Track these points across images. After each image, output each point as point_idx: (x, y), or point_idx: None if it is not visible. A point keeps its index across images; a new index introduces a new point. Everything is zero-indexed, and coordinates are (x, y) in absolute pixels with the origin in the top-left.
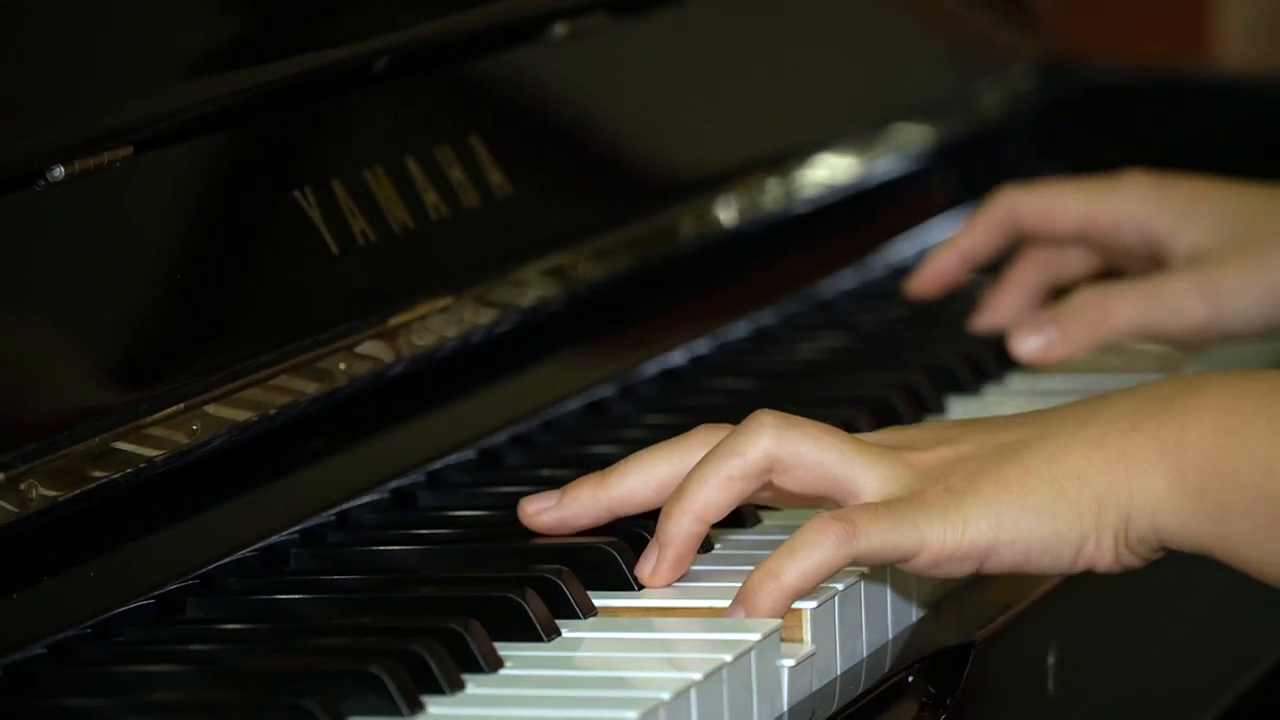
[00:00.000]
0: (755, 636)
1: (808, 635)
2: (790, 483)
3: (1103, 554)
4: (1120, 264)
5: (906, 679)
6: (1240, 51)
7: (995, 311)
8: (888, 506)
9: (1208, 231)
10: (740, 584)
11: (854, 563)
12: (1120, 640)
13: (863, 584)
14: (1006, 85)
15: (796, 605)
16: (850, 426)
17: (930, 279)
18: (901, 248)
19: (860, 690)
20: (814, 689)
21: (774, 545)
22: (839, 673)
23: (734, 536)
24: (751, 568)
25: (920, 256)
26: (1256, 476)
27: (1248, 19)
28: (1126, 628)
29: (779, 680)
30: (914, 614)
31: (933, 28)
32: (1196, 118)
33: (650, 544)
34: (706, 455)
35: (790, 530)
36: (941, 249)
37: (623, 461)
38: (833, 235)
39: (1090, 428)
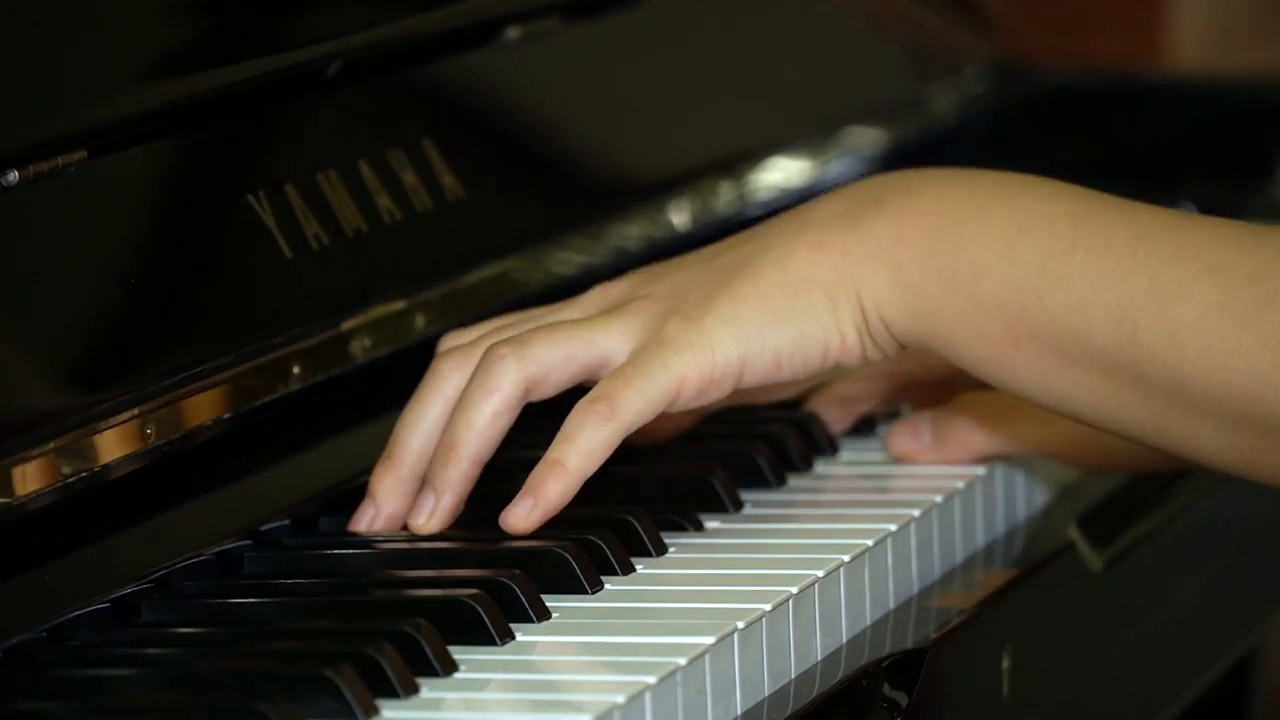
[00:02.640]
0: (710, 640)
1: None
2: (552, 388)
3: (849, 349)
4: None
5: (861, 683)
6: (1195, 55)
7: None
8: (633, 363)
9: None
10: (699, 600)
11: (630, 429)
12: (1075, 644)
13: (817, 588)
14: (960, 88)
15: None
16: (798, 431)
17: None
18: None
19: (815, 694)
20: (768, 693)
21: (734, 545)
22: (793, 676)
23: (686, 540)
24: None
25: None
26: (967, 279)
27: (1202, 22)
28: (1081, 631)
29: (733, 684)
30: (869, 618)
31: (886, 31)
32: (1150, 120)
33: (424, 490)
34: (465, 399)
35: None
36: (825, 399)
37: (396, 429)
38: None
39: (808, 232)
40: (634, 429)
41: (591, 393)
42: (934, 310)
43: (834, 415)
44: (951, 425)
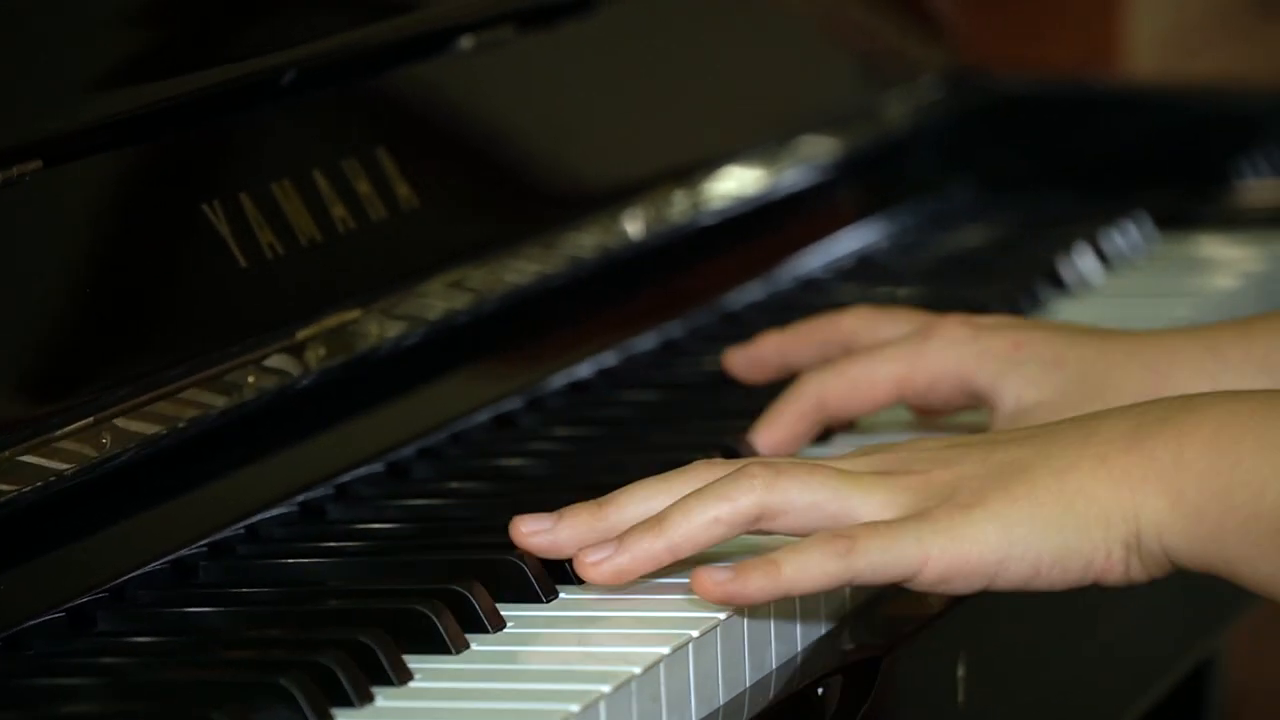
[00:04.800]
0: (665, 650)
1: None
2: (784, 527)
3: (1112, 567)
4: (945, 414)
5: (816, 690)
6: (1150, 63)
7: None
8: (889, 523)
9: (1032, 384)
10: (656, 609)
11: (855, 580)
12: (1030, 652)
13: None
14: (914, 96)
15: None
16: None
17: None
18: (808, 260)
19: (770, 702)
20: (723, 701)
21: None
22: (748, 684)
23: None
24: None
25: (827, 269)
26: (1246, 495)
27: (1157, 30)
28: (1036, 639)
29: (688, 693)
30: (823, 626)
31: (840, 40)
32: (1105, 128)
33: (613, 541)
34: (700, 490)
35: None
36: (753, 443)
37: (622, 490)
38: (739, 247)
39: (1092, 446)
40: (858, 583)
41: (839, 530)
42: (1214, 533)
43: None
44: None
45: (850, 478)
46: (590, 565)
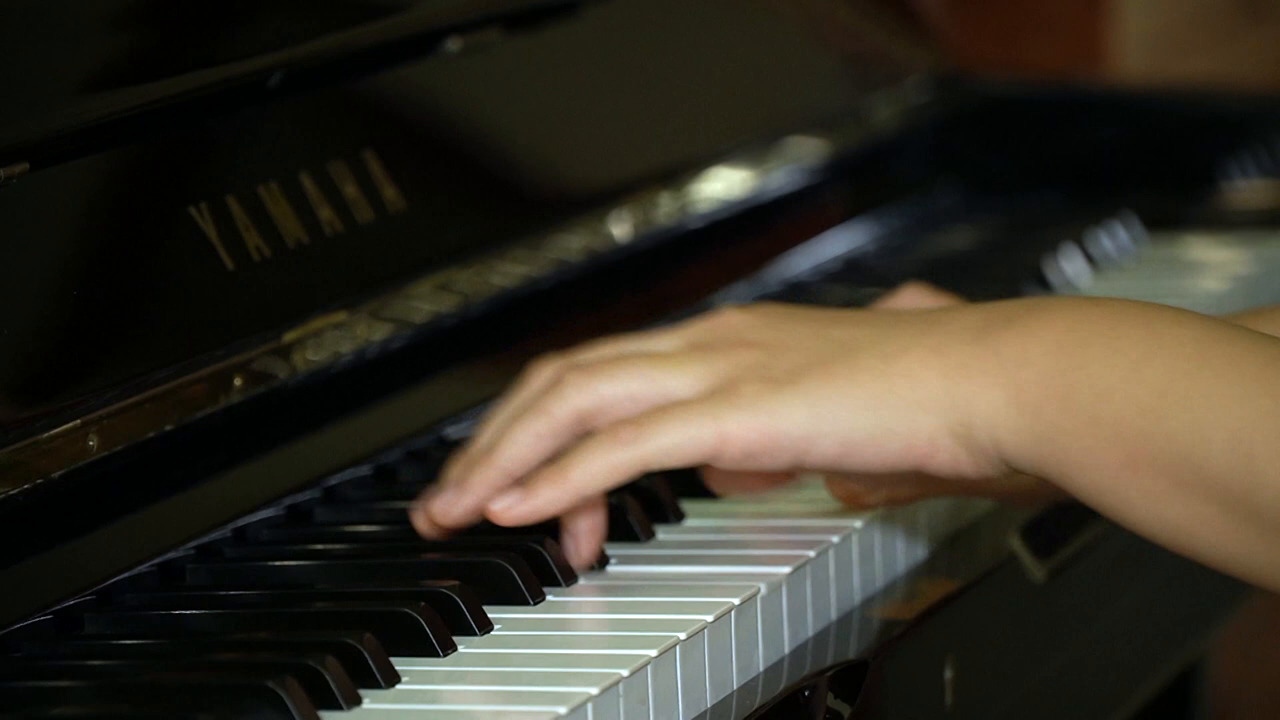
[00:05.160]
0: (652, 653)
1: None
2: (607, 420)
3: (935, 453)
4: None
5: (804, 693)
6: (1136, 65)
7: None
8: (684, 403)
9: None
10: (642, 611)
11: (649, 464)
12: (1017, 655)
13: (759, 599)
14: (901, 98)
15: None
16: None
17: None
18: (795, 261)
19: (757, 704)
20: (710, 704)
21: (675, 556)
22: (736, 687)
23: (627, 551)
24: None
25: (814, 271)
26: (1088, 399)
27: (1144, 32)
28: (1023, 642)
29: (675, 695)
30: (811, 628)
31: (827, 42)
32: (1092, 130)
33: (451, 485)
34: (520, 412)
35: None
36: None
37: (490, 433)
38: (727, 249)
39: (931, 336)
40: (655, 468)
41: (629, 416)
42: (1050, 432)
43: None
44: None
45: (662, 360)
46: (439, 516)
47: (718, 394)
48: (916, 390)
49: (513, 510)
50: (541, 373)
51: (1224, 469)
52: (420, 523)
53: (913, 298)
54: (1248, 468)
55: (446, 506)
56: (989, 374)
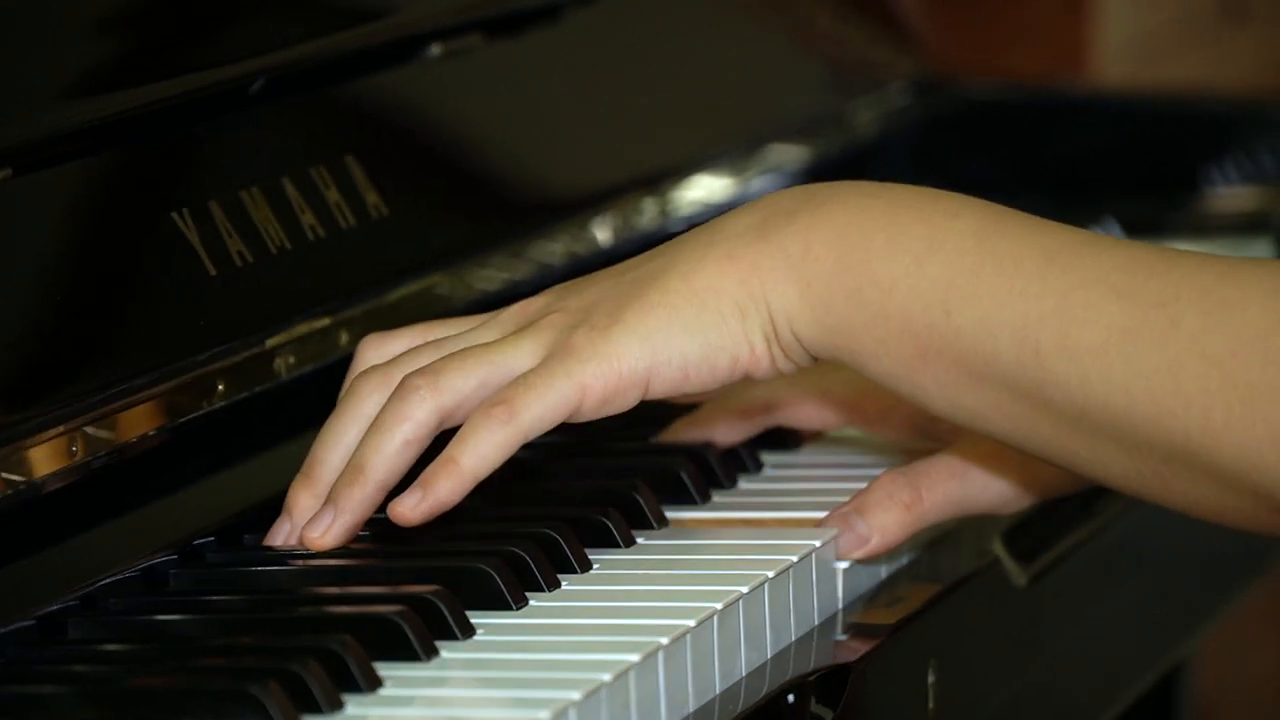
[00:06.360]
0: (634, 658)
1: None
2: (466, 414)
3: (758, 359)
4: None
5: (787, 698)
6: (1118, 69)
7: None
8: (537, 371)
9: None
10: (625, 617)
11: (530, 434)
12: (1000, 659)
13: (741, 604)
14: (882, 103)
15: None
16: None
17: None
18: None
19: (740, 709)
20: (693, 708)
21: (659, 561)
22: (719, 692)
23: (609, 556)
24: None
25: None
26: (875, 294)
27: (1125, 37)
28: (1006, 646)
29: (658, 700)
30: (794, 633)
31: (808, 47)
32: (1074, 135)
33: (326, 506)
34: (377, 423)
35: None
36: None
37: (316, 444)
38: None
39: (718, 245)
40: (533, 435)
41: (494, 396)
42: (841, 325)
43: (734, 428)
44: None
45: (497, 344)
46: (317, 540)
47: (557, 354)
48: (723, 300)
49: (419, 509)
50: (370, 383)
51: (1013, 365)
52: (286, 539)
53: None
54: (1036, 363)
55: (324, 529)
56: (778, 270)
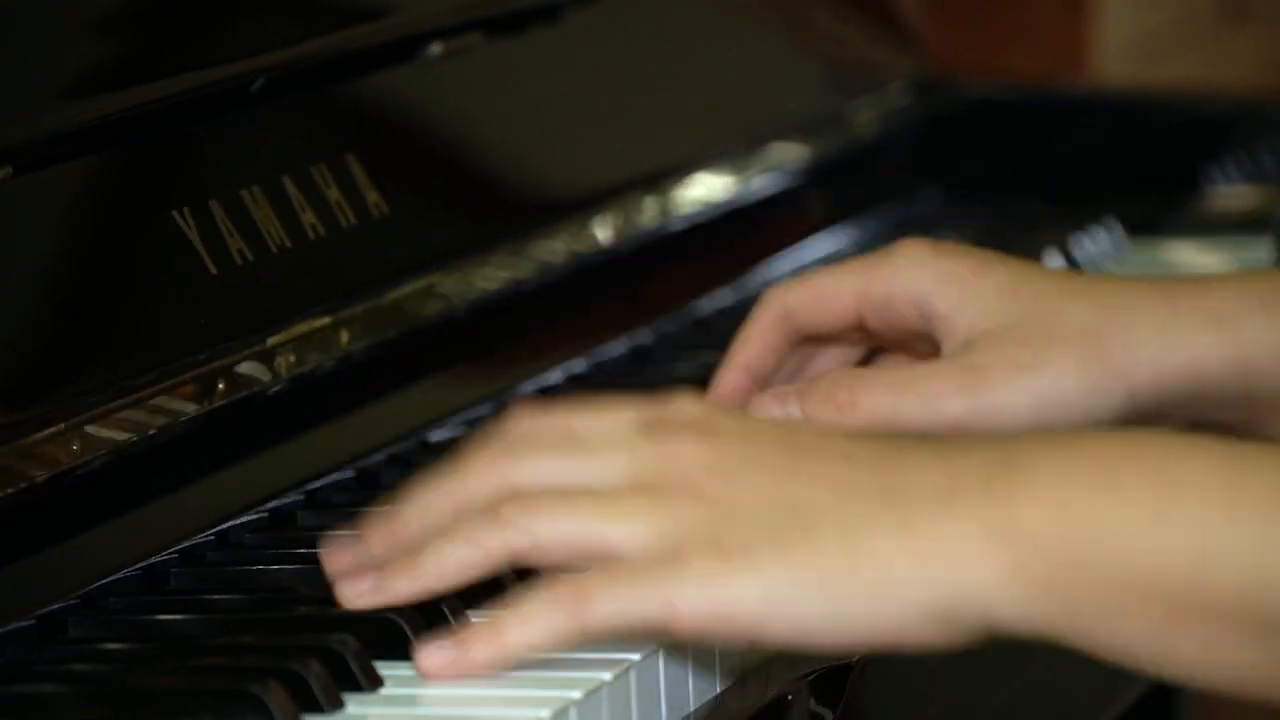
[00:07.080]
0: (636, 656)
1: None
2: (544, 565)
3: (904, 636)
4: (902, 346)
5: (786, 698)
6: (1118, 69)
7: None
8: (633, 570)
9: (986, 312)
10: None
11: (592, 635)
12: (1000, 659)
13: None
14: (883, 103)
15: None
16: None
17: (724, 401)
18: (778, 265)
19: (739, 709)
20: (692, 708)
21: None
22: (719, 690)
23: None
24: None
25: (796, 274)
26: (1115, 563)
27: (1126, 36)
28: (1006, 646)
29: (658, 700)
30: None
31: (808, 47)
32: (1074, 134)
33: (373, 574)
34: (453, 531)
35: None
36: (725, 368)
37: (409, 500)
38: (709, 254)
39: (895, 506)
40: (596, 638)
41: (575, 576)
42: (1066, 604)
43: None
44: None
45: (606, 504)
46: (352, 598)
47: (664, 563)
48: (883, 574)
49: (446, 670)
50: (481, 471)
51: None
52: (327, 578)
53: (911, 250)
54: None
55: (359, 594)
56: (971, 551)
